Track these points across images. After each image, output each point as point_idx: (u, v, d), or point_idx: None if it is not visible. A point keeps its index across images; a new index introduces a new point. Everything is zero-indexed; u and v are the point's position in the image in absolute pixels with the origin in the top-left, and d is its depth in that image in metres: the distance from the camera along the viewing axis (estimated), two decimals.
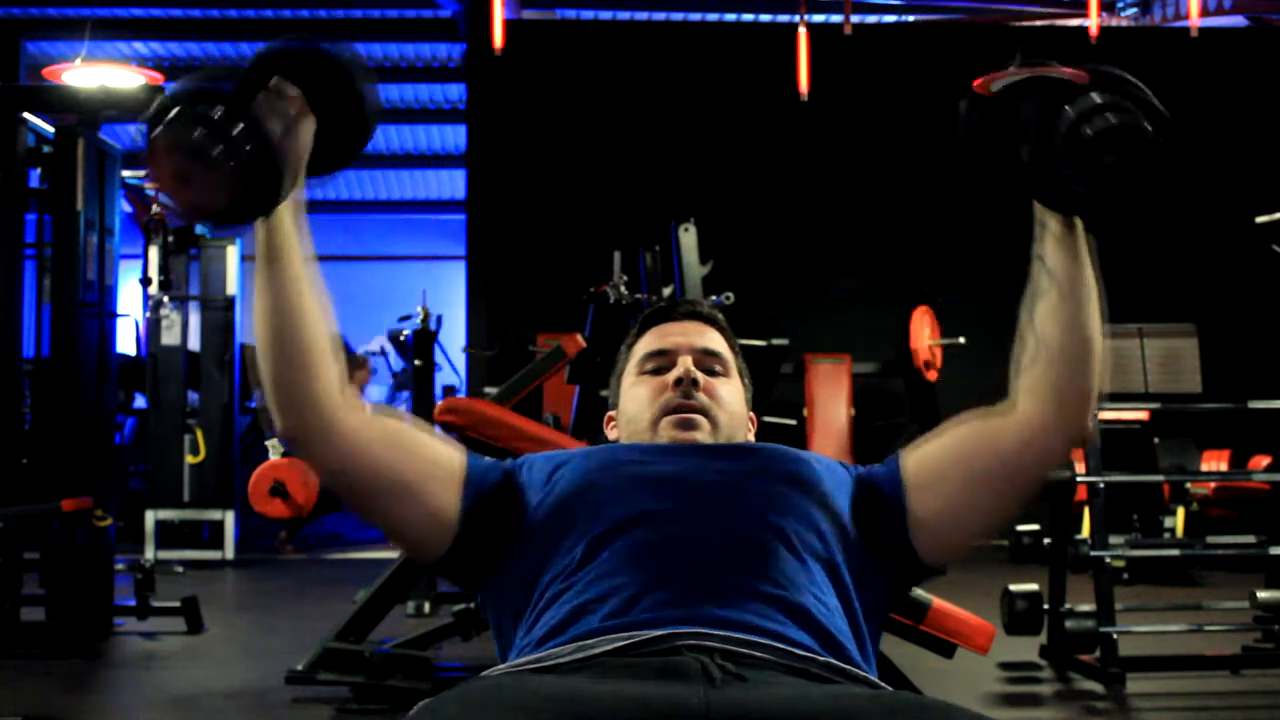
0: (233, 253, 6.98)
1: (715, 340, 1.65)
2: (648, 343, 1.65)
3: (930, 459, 1.46)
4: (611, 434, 1.68)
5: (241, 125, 1.18)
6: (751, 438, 1.64)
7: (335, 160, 1.34)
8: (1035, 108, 1.24)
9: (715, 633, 1.22)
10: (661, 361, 1.61)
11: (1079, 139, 1.21)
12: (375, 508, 1.43)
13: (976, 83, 1.30)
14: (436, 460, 1.44)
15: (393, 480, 1.40)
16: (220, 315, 6.96)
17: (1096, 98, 1.22)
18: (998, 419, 1.43)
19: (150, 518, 6.75)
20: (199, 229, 7.09)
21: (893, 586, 1.47)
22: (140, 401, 7.46)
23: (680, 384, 1.56)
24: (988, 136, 1.31)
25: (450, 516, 1.42)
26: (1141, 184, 1.25)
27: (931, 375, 6.67)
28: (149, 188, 6.28)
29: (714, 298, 5.03)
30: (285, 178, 1.23)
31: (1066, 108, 1.22)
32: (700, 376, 1.58)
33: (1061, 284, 1.36)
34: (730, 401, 1.60)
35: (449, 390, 9.01)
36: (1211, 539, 4.80)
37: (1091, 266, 1.36)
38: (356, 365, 8.75)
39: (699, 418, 1.55)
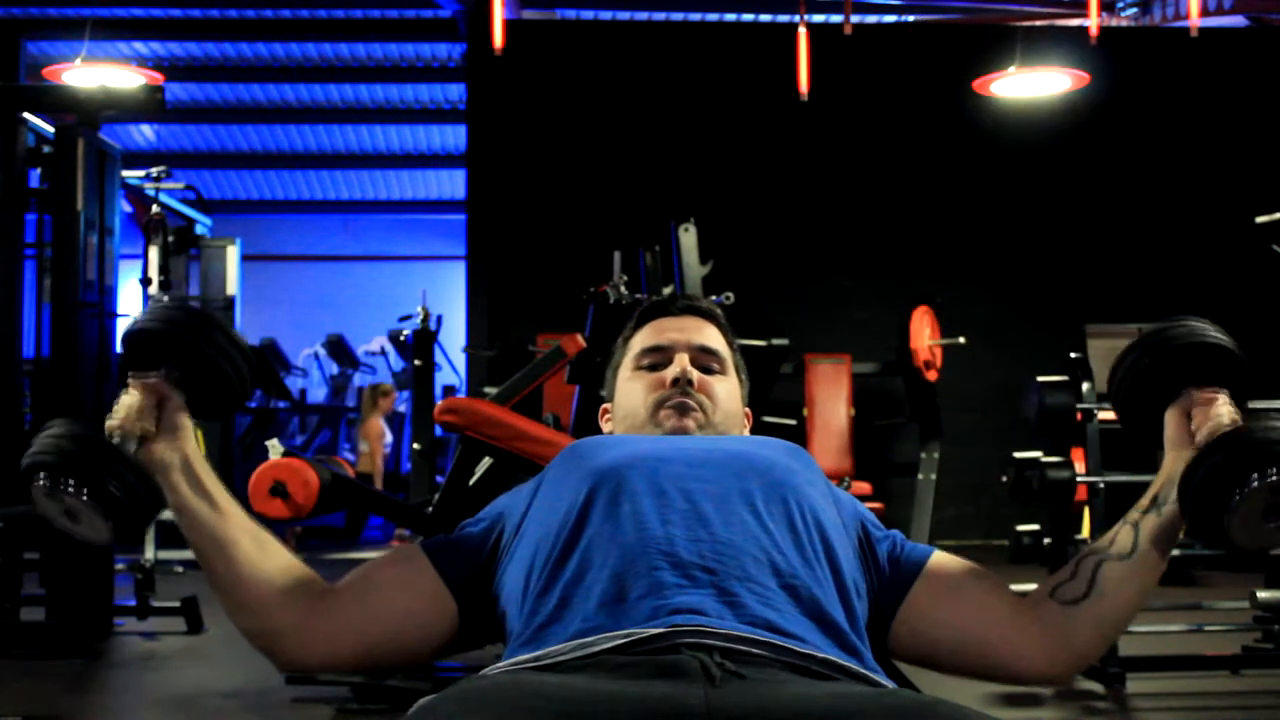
0: (233, 253, 6.99)
1: (713, 337, 1.65)
2: (644, 338, 1.65)
3: (949, 586, 1.44)
4: (606, 427, 1.68)
5: (96, 489, 1.30)
6: (747, 434, 1.64)
7: (219, 408, 1.44)
8: (1231, 463, 1.27)
9: (716, 629, 1.21)
10: (658, 358, 1.61)
11: (1258, 511, 1.25)
12: (383, 658, 1.45)
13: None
14: (407, 579, 1.44)
15: (383, 630, 1.42)
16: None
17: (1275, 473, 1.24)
18: (1012, 617, 1.41)
19: None
20: (199, 229, 7.10)
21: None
22: None
23: (677, 383, 1.56)
24: (1152, 397, 1.39)
25: (445, 606, 1.42)
26: None
27: (931, 375, 6.67)
28: (150, 187, 6.28)
29: (714, 298, 5.03)
30: (151, 509, 1.32)
31: (1255, 474, 1.25)
32: (696, 375, 1.58)
33: (1146, 560, 1.38)
34: (726, 399, 1.60)
35: (449, 390, 9.01)
36: None
37: (1168, 557, 1.40)
38: (381, 394, 8.76)
39: (695, 414, 1.56)
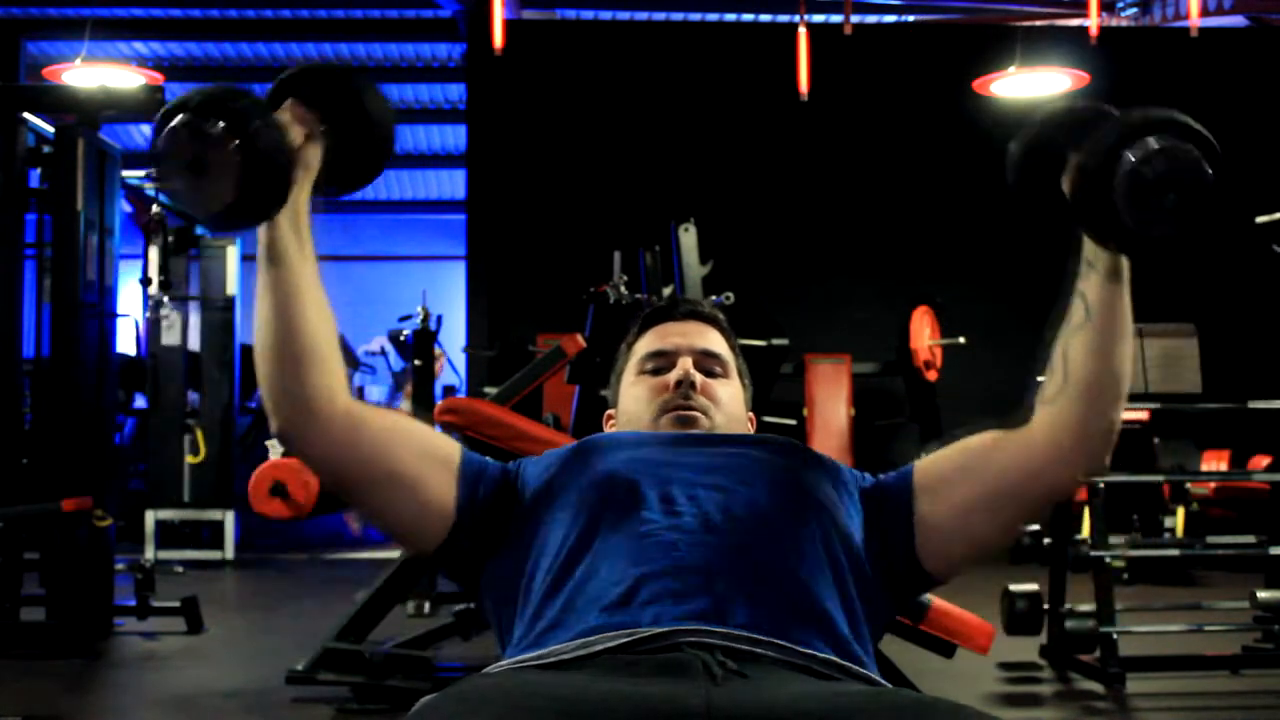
0: (233, 253, 6.98)
1: (715, 341, 1.65)
2: (648, 342, 1.65)
3: (941, 468, 1.45)
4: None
5: (245, 135, 1.22)
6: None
7: (350, 180, 1.40)
8: (1095, 148, 1.26)
9: (717, 629, 1.22)
10: (661, 362, 1.62)
11: (1141, 181, 1.23)
12: (372, 500, 1.43)
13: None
14: (431, 452, 1.44)
15: (388, 471, 1.41)
16: (220, 315, 6.96)
17: (1156, 141, 1.23)
18: (1016, 440, 1.42)
19: (150, 518, 6.75)
20: (199, 229, 7.10)
21: (893, 594, 1.45)
22: (140, 401, 7.46)
23: (680, 386, 1.57)
24: (1040, 175, 1.34)
25: (446, 507, 1.42)
26: (1197, 225, 1.26)
27: (931, 375, 6.67)
28: (150, 186, 6.28)
29: (714, 298, 5.03)
30: (280, 189, 1.27)
31: (1127, 150, 1.23)
32: (699, 378, 1.59)
33: (1101, 320, 1.37)
34: (729, 403, 1.60)
35: (449, 390, 9.01)
36: (1211, 539, 4.80)
37: (1128, 304, 1.37)
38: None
39: (698, 415, 1.56)
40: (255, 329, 1.37)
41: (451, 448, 1.46)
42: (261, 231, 1.33)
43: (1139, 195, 1.23)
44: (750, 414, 1.67)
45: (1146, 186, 1.22)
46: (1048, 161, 1.35)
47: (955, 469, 1.44)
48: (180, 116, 1.22)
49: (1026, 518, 1.44)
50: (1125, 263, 1.35)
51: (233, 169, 1.21)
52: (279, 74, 1.35)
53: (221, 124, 1.21)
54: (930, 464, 1.46)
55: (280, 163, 1.25)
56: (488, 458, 1.50)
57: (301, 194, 1.34)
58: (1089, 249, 1.37)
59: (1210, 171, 1.24)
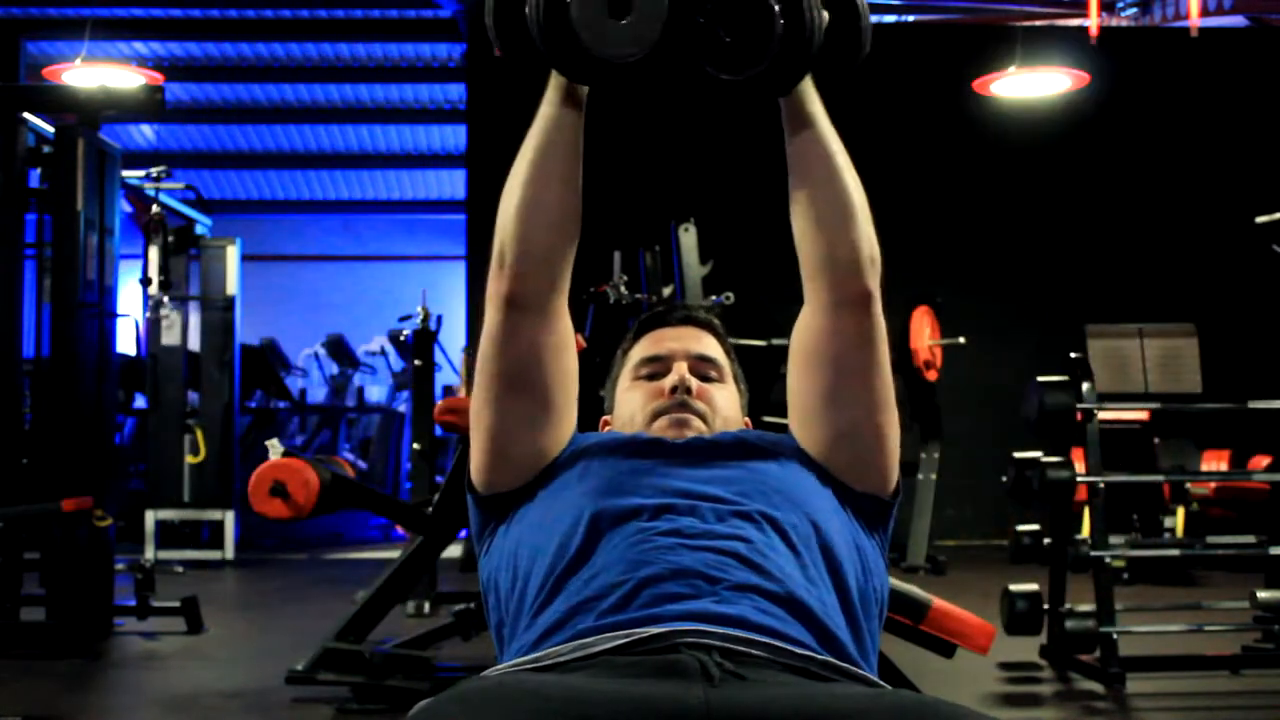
0: (233, 252, 6.98)
1: (710, 346, 1.66)
2: (643, 348, 1.66)
3: (794, 408, 1.50)
4: None
5: None
6: None
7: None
8: None
9: (715, 630, 1.22)
10: (657, 367, 1.63)
11: (696, 27, 1.26)
12: (515, 407, 1.45)
13: None
14: (573, 408, 1.49)
15: (550, 397, 1.45)
16: (220, 315, 6.96)
17: None
18: (802, 327, 1.47)
19: (150, 518, 6.75)
20: (199, 229, 7.09)
21: (874, 538, 1.48)
22: (140, 401, 7.46)
23: (675, 391, 1.57)
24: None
25: (541, 464, 1.46)
26: (780, 59, 1.29)
27: (931, 375, 6.66)
28: (149, 188, 6.26)
29: (714, 298, 5.04)
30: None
31: None
32: (694, 383, 1.59)
33: (798, 157, 1.41)
34: (724, 406, 1.61)
35: (449, 390, 9.01)
36: (1211, 539, 4.80)
37: (826, 132, 1.41)
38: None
39: (693, 419, 1.56)
40: (523, 181, 1.42)
41: (574, 414, 1.50)
42: (560, 84, 1.39)
43: (703, 40, 1.26)
44: (746, 420, 1.67)
45: (701, 29, 1.26)
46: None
47: (796, 401, 1.49)
48: None
49: (869, 379, 1.44)
50: (798, 96, 1.40)
51: (658, 11, 1.24)
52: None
53: None
54: (791, 418, 1.51)
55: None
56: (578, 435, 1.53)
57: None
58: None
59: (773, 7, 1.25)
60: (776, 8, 1.26)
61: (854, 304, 1.42)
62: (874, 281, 1.43)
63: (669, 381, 1.59)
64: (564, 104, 1.38)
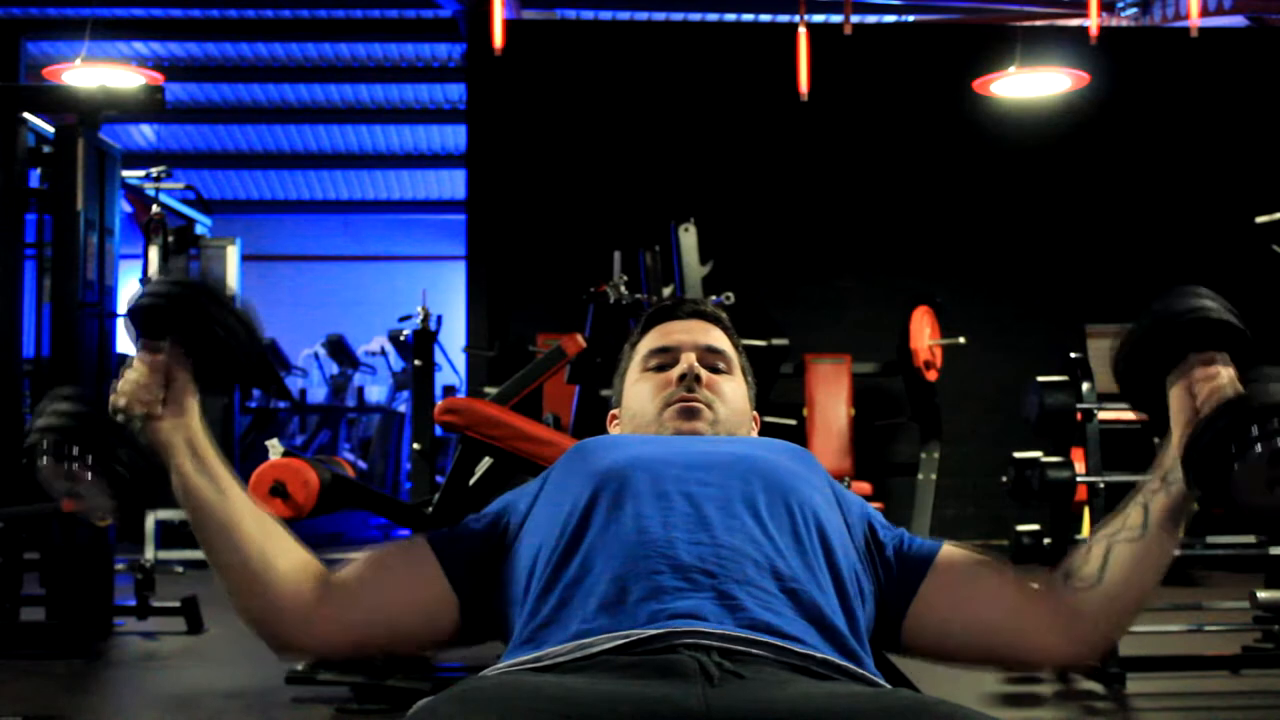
0: (233, 252, 6.99)
1: (718, 338, 1.66)
2: (651, 340, 1.66)
3: (963, 564, 1.44)
4: (614, 432, 1.69)
5: (103, 468, 1.30)
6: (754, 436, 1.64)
7: (221, 382, 1.42)
8: (1235, 428, 1.26)
9: (714, 629, 1.22)
10: (665, 359, 1.63)
11: (1262, 466, 1.24)
12: (390, 642, 1.45)
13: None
14: (410, 571, 1.43)
15: (386, 617, 1.42)
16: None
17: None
18: (1025, 597, 1.41)
19: (150, 518, 6.74)
20: (199, 229, 7.10)
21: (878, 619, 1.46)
22: None
23: (684, 379, 1.57)
24: (1144, 375, 1.37)
25: (449, 601, 1.42)
26: None
27: (931, 375, 6.67)
28: (149, 188, 6.27)
29: (714, 298, 5.04)
30: (153, 491, 1.34)
31: (1260, 443, 1.24)
32: (703, 373, 1.59)
33: (1156, 536, 1.36)
34: (733, 398, 1.61)
35: (449, 390, 9.01)
36: (1211, 539, 4.79)
37: (1180, 534, 1.38)
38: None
39: (702, 408, 1.56)
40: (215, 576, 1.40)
41: (420, 550, 1.44)
42: (173, 478, 1.36)
43: (1257, 477, 1.24)
44: (755, 414, 1.67)
45: (1265, 470, 1.24)
46: (1153, 363, 1.37)
47: (969, 576, 1.43)
48: (44, 452, 1.31)
49: (997, 667, 1.45)
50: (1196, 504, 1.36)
51: (101, 493, 1.30)
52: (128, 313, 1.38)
53: (78, 456, 1.29)
54: (957, 553, 1.45)
55: (143, 477, 1.32)
56: (463, 523, 1.49)
57: (193, 426, 1.37)
58: (1170, 468, 1.35)
59: None
60: None
61: (1071, 660, 1.44)
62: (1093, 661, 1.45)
63: (677, 371, 1.59)
64: (191, 508, 1.38)
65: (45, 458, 1.31)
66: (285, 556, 1.40)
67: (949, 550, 1.45)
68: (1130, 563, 1.36)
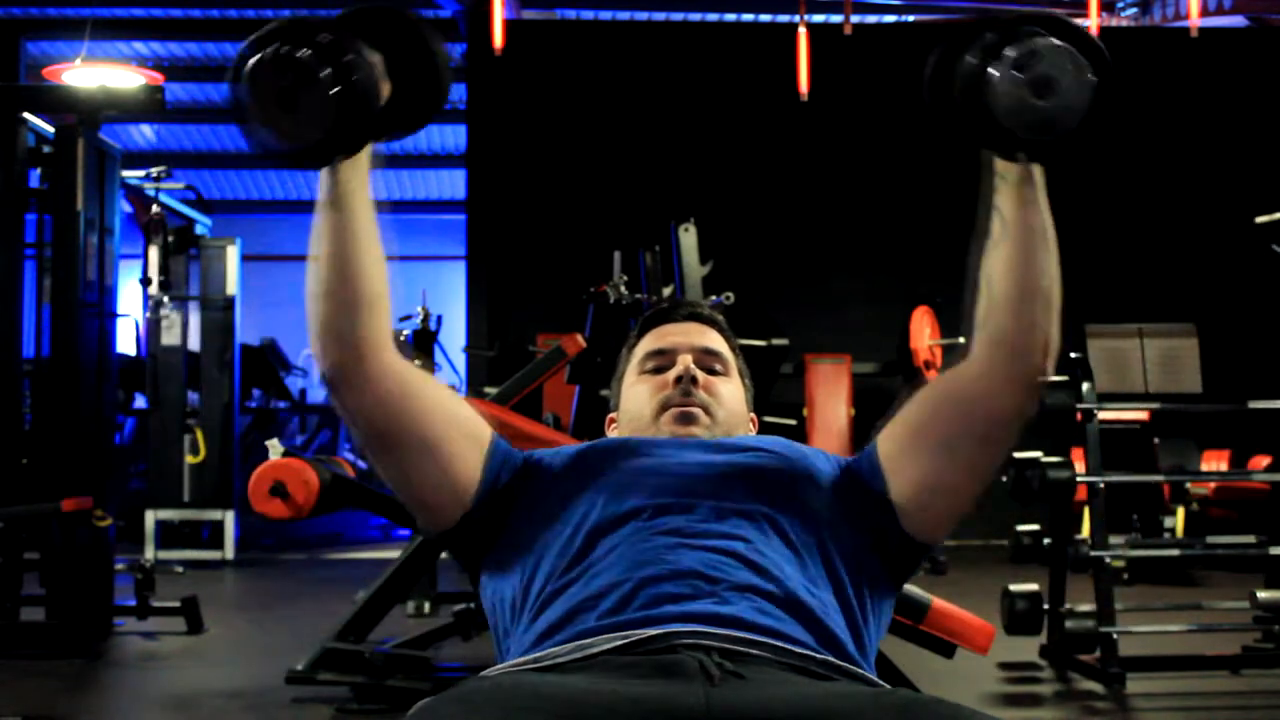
0: (233, 252, 6.98)
1: (715, 340, 1.66)
2: (648, 343, 1.66)
3: (899, 432, 1.44)
4: (612, 434, 1.69)
5: (347, 57, 1.20)
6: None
7: (404, 124, 1.36)
8: (971, 56, 1.25)
9: (714, 630, 1.22)
10: (661, 361, 1.63)
11: (1013, 83, 1.22)
12: (400, 461, 1.42)
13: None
14: (466, 428, 1.45)
15: (422, 435, 1.41)
16: (220, 315, 6.96)
17: (1031, 43, 1.23)
18: (958, 376, 1.41)
19: (150, 518, 6.75)
20: (199, 229, 7.10)
21: (893, 574, 1.45)
22: (140, 401, 7.46)
23: (680, 381, 1.57)
24: (944, 90, 1.30)
25: (468, 489, 1.43)
26: (1084, 123, 1.26)
27: (931, 375, 6.66)
28: (149, 188, 6.27)
29: (714, 298, 5.04)
30: (370, 125, 1.25)
31: (1005, 51, 1.23)
32: (700, 375, 1.59)
33: (1016, 232, 1.36)
34: (730, 400, 1.61)
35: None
36: (1211, 539, 4.80)
37: (1044, 212, 1.37)
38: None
39: (699, 413, 1.56)
40: (311, 271, 1.37)
41: (484, 430, 1.46)
42: (326, 175, 1.32)
43: (1013, 97, 1.22)
44: (752, 415, 1.67)
45: (1019, 88, 1.22)
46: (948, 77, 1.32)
47: (910, 431, 1.43)
48: (270, 48, 1.19)
49: (990, 453, 1.41)
50: (1037, 171, 1.35)
51: (325, 102, 1.19)
52: (339, 11, 1.30)
53: (315, 56, 1.18)
54: (889, 435, 1.45)
55: (372, 98, 1.22)
56: (513, 449, 1.50)
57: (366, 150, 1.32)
58: (997, 164, 1.35)
59: (1088, 70, 1.23)
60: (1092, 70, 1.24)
61: (1029, 382, 1.39)
62: (1050, 371, 1.40)
63: (674, 374, 1.59)
64: (338, 189, 1.33)
65: (274, 52, 1.19)
66: (385, 305, 1.41)
67: (883, 444, 1.45)
68: (1009, 265, 1.37)
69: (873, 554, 1.42)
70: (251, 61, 1.20)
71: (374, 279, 1.38)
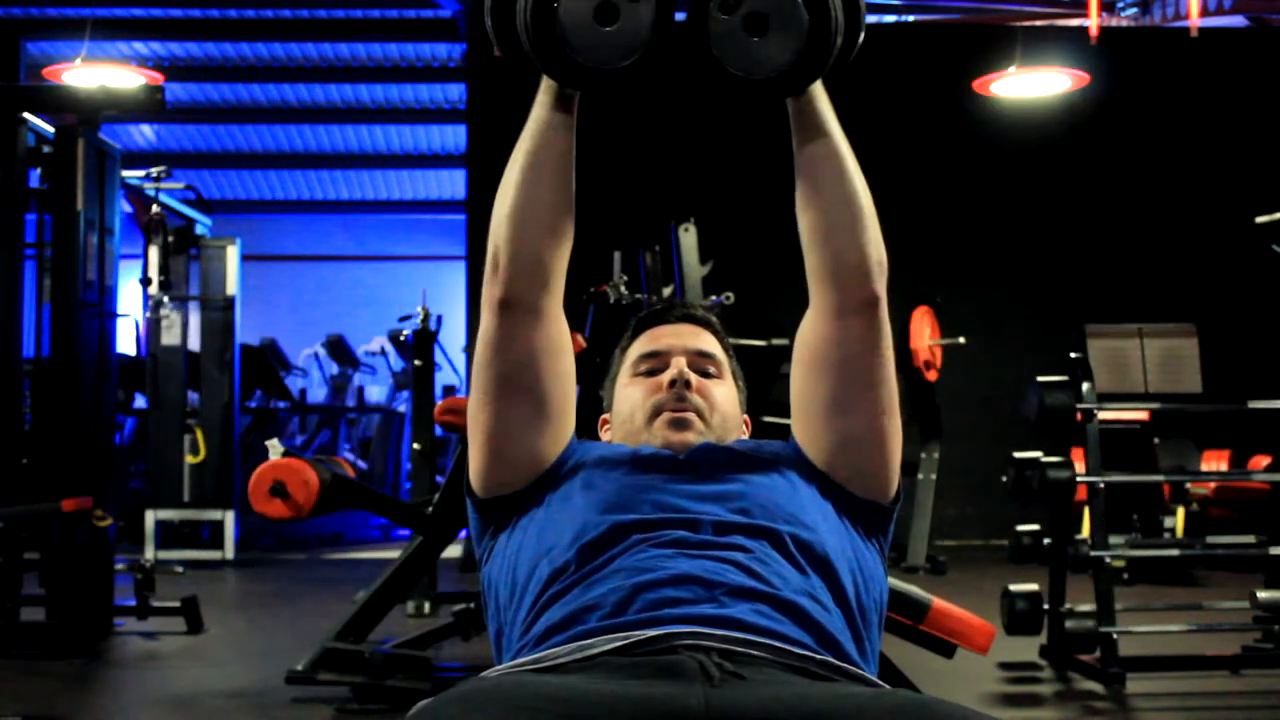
0: (233, 252, 6.98)
1: (709, 342, 1.66)
2: (641, 345, 1.66)
3: (797, 414, 1.50)
4: (605, 437, 1.69)
5: None
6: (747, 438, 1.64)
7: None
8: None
9: (713, 632, 1.22)
10: (655, 363, 1.62)
11: (723, 27, 1.25)
12: (508, 405, 1.45)
13: None
14: (571, 409, 1.50)
15: (548, 394, 1.45)
16: (220, 315, 6.96)
17: None
18: (806, 331, 1.45)
19: (150, 518, 6.75)
20: (199, 229, 7.09)
21: (870, 535, 1.48)
22: (140, 401, 7.46)
23: (674, 385, 1.57)
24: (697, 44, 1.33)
25: (541, 465, 1.46)
26: (804, 57, 1.27)
27: (931, 375, 6.66)
28: (149, 188, 6.26)
29: (714, 298, 5.04)
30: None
31: None
32: (693, 378, 1.59)
33: (803, 162, 1.39)
34: (723, 402, 1.60)
35: (449, 390, 9.01)
36: (1211, 539, 4.80)
37: (836, 136, 1.39)
38: None
39: (692, 417, 1.55)
40: (514, 189, 1.41)
41: (573, 417, 1.50)
42: (557, 95, 1.38)
43: (725, 39, 1.26)
44: (745, 418, 1.67)
45: (730, 30, 1.25)
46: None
47: (802, 410, 1.48)
48: None
49: (875, 385, 1.43)
50: (815, 100, 1.37)
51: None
52: None
53: None
54: (795, 423, 1.51)
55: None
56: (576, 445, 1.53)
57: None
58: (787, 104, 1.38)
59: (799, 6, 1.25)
60: (803, 3, 1.25)
61: (861, 309, 1.40)
62: (881, 287, 1.41)
63: (667, 376, 1.58)
64: (555, 107, 1.39)
65: None
66: (568, 244, 1.47)
67: (794, 427, 1.51)
68: (805, 196, 1.42)
69: (853, 528, 1.45)
70: None
71: (571, 214, 1.44)
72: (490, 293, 1.42)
